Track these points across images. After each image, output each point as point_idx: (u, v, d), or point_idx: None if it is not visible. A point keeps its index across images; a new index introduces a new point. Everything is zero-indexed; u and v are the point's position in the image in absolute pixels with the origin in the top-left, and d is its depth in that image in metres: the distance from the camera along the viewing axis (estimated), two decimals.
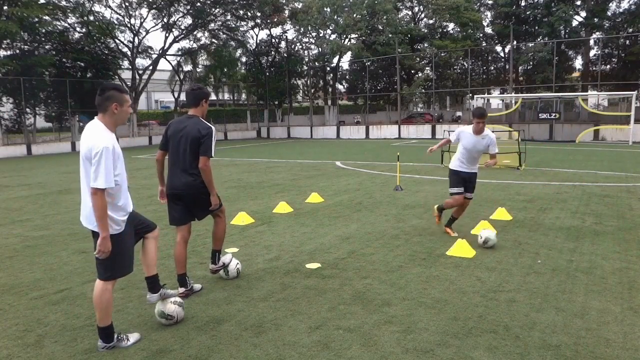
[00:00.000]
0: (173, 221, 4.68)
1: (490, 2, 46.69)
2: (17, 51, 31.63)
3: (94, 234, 3.50)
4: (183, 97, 45.85)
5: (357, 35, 44.26)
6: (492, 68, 52.78)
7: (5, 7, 28.32)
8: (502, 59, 49.68)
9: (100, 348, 3.54)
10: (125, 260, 3.59)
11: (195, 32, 41.17)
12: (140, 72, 38.51)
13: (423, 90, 46.14)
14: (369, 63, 44.28)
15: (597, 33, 41.41)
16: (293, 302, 4.37)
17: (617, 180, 11.72)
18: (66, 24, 35.17)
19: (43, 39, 33.13)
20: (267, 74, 46.34)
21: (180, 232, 4.67)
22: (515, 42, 40.04)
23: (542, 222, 7.27)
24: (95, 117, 3.48)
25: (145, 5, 36.19)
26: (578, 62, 46.88)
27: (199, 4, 37.63)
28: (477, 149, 6.36)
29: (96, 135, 3.36)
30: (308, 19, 41.46)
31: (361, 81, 49.22)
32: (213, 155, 4.46)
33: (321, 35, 44.18)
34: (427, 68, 48.35)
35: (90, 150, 3.32)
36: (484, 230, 6.14)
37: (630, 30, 40.52)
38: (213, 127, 4.52)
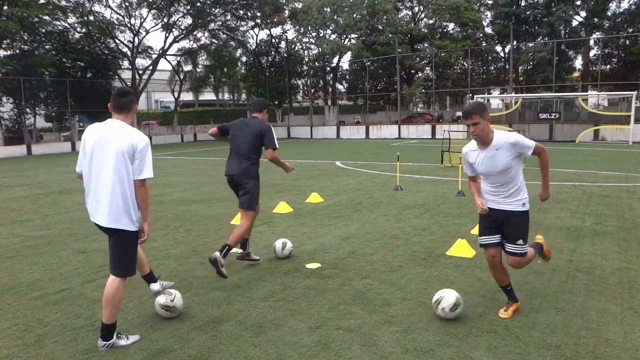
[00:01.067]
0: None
1: (490, 2, 46.71)
2: (17, 51, 31.63)
3: (112, 232, 3.53)
4: (183, 97, 45.96)
5: (357, 35, 44.28)
6: (492, 68, 52.78)
7: (5, 7, 28.32)
8: (502, 59, 49.68)
9: (100, 347, 3.54)
10: (136, 259, 3.74)
11: (195, 32, 41.19)
12: (140, 72, 38.52)
13: (423, 90, 46.19)
14: (369, 63, 44.29)
15: (597, 33, 41.41)
16: (293, 302, 4.37)
17: (617, 180, 11.72)
18: (66, 24, 35.21)
19: (43, 39, 33.14)
20: (267, 74, 46.36)
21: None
22: (515, 42, 40.04)
23: (542, 222, 7.26)
24: (114, 118, 3.57)
25: (145, 5, 36.20)
26: (578, 62, 46.94)
27: (199, 4, 37.63)
28: (498, 169, 3.83)
29: (133, 132, 3.52)
30: (308, 19, 41.46)
31: (361, 81, 49.22)
32: (277, 146, 5.18)
33: (321, 35, 44.18)
34: (427, 68, 48.36)
35: (135, 146, 3.46)
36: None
37: (630, 30, 40.54)
38: (270, 126, 5.28)
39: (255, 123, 5.22)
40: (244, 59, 48.35)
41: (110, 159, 3.43)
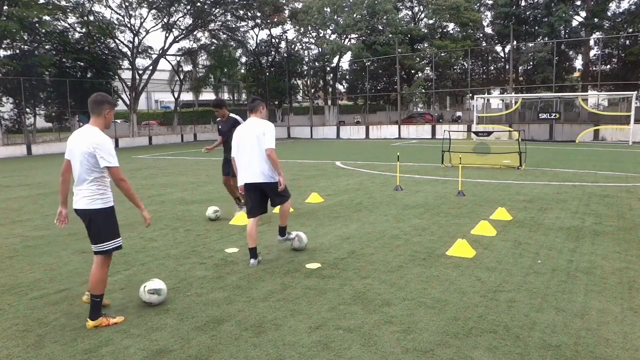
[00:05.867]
0: None
1: (490, 2, 46.67)
2: (17, 51, 31.64)
3: (267, 185, 5.41)
4: (183, 97, 45.97)
5: (357, 35, 44.26)
6: (492, 68, 52.76)
7: (5, 7, 28.32)
8: (502, 59, 49.67)
9: (280, 240, 5.89)
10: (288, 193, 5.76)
11: (195, 32, 41.18)
12: (140, 72, 38.51)
13: (423, 90, 46.15)
14: (369, 63, 44.28)
15: (597, 33, 41.39)
16: (293, 302, 4.37)
17: (617, 180, 11.72)
18: (66, 24, 35.21)
19: (43, 39, 33.13)
20: (267, 74, 46.35)
21: None
22: (515, 42, 40.03)
23: (542, 222, 7.27)
24: (251, 116, 5.52)
25: (145, 5, 36.20)
26: (578, 62, 46.91)
27: (199, 4, 37.62)
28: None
29: (264, 122, 5.46)
30: (308, 19, 41.48)
31: (361, 81, 49.21)
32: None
33: (321, 35, 44.20)
34: (427, 68, 48.34)
35: (264, 130, 5.35)
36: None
37: (630, 30, 40.51)
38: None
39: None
40: (243, 59, 48.35)
41: (251, 141, 5.36)
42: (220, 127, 8.14)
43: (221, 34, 43.01)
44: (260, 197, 5.54)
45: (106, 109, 3.98)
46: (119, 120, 41.30)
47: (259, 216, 5.60)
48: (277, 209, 5.95)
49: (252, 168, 5.37)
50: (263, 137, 5.31)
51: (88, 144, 3.83)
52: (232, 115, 8.09)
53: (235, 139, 5.51)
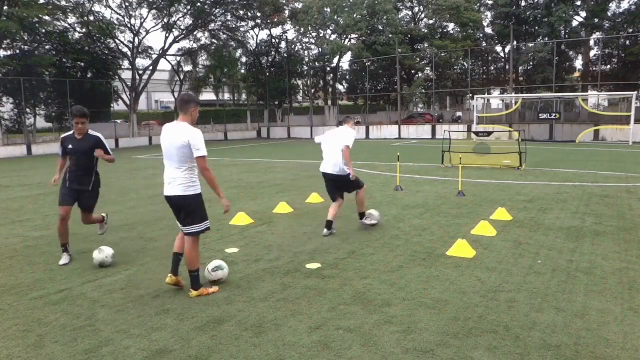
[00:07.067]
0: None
1: (490, 2, 46.67)
2: (17, 51, 31.64)
3: (340, 177, 6.70)
4: None
5: (357, 35, 44.26)
6: (492, 68, 52.74)
7: (5, 7, 28.32)
8: (502, 59, 49.65)
9: (361, 223, 7.01)
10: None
11: (195, 32, 41.17)
12: (140, 72, 38.50)
13: (423, 90, 46.14)
14: (369, 63, 44.27)
15: (597, 33, 41.38)
16: (293, 302, 4.37)
17: (617, 180, 11.72)
18: (66, 24, 35.20)
19: (43, 39, 33.13)
20: (267, 74, 46.33)
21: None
22: (515, 42, 40.03)
23: (542, 222, 7.27)
24: (340, 127, 6.93)
25: (145, 5, 36.19)
26: (578, 62, 46.90)
27: (199, 4, 37.61)
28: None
29: (349, 129, 6.81)
30: (308, 19, 41.47)
31: (361, 81, 49.20)
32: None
33: (321, 35, 44.20)
34: (427, 68, 48.33)
35: (346, 133, 6.70)
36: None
37: (630, 30, 40.50)
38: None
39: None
40: (243, 59, 48.34)
41: (336, 141, 6.68)
42: (71, 145, 5.77)
43: (221, 34, 42.99)
44: (334, 186, 6.86)
45: (192, 107, 4.44)
46: (119, 120, 41.30)
47: (339, 201, 6.85)
48: (278, 208, 5.94)
49: (330, 161, 6.74)
50: (342, 137, 6.67)
51: (183, 137, 4.30)
52: (91, 132, 5.92)
53: (325, 136, 6.98)
